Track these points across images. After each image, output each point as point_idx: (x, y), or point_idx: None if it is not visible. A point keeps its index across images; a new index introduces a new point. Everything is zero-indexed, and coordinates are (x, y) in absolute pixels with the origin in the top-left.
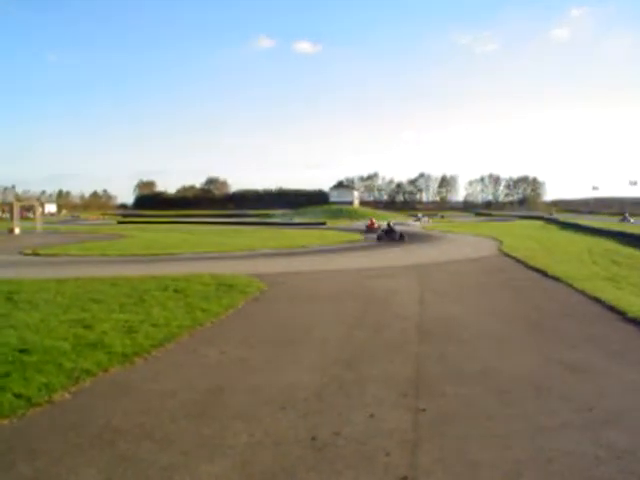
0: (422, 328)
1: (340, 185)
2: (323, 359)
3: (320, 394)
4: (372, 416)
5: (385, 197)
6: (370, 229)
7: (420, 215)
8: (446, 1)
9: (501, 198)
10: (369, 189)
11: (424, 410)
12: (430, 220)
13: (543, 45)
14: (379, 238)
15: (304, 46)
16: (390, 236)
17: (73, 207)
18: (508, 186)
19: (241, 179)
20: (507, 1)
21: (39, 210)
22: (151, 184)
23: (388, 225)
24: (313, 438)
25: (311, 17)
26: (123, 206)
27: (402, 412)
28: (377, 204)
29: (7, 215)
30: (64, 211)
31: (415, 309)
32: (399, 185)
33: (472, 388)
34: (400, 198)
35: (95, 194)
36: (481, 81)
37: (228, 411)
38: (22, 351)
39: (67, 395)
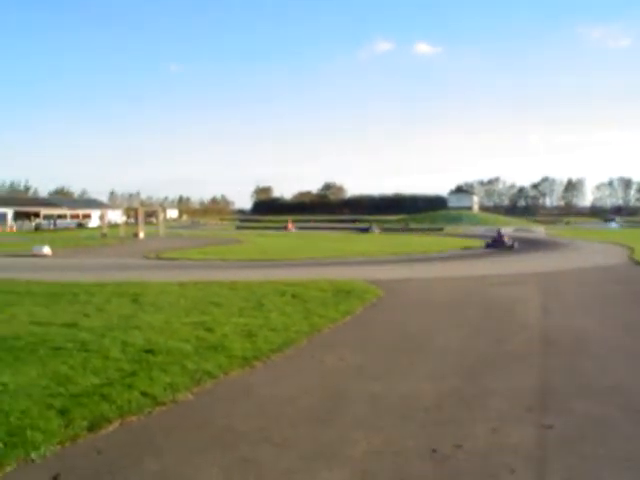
0: (547, 339)
1: (459, 190)
2: (443, 368)
3: (440, 405)
4: (495, 430)
5: (506, 202)
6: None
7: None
8: None
9: (632, 203)
10: (489, 194)
11: (551, 427)
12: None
13: None
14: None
15: (423, 48)
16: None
17: (193, 212)
18: None
19: (358, 184)
20: None
21: (161, 215)
22: (268, 190)
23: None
24: (434, 450)
25: (429, 18)
26: (241, 211)
27: (527, 427)
28: (497, 209)
29: (132, 220)
30: (185, 216)
31: (539, 319)
32: (521, 189)
33: (603, 406)
34: (522, 203)
35: (214, 199)
36: (612, 79)
37: (347, 418)
38: (148, 351)
39: (190, 396)
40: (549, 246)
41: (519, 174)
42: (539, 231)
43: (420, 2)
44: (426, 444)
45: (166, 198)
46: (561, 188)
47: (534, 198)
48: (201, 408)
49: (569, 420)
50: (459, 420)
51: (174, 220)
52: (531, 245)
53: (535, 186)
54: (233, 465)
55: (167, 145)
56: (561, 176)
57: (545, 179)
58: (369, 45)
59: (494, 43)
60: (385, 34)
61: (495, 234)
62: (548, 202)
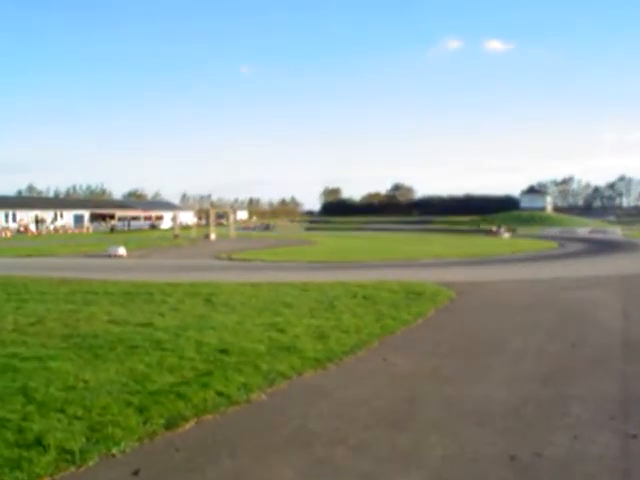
0: (628, 344)
1: (531, 190)
2: (518, 373)
3: (517, 410)
4: (576, 438)
5: (581, 202)
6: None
7: None
8: None
9: None
10: (563, 194)
11: (635, 436)
12: None
13: None
14: None
15: (495, 45)
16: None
17: (262, 214)
18: None
19: (427, 185)
20: None
21: (232, 217)
22: (336, 191)
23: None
24: (512, 457)
25: (503, 14)
26: (310, 213)
27: (609, 436)
28: (572, 210)
29: (203, 221)
30: (254, 218)
31: (619, 323)
32: (596, 189)
33: None
34: (597, 203)
35: (283, 201)
36: None
37: (421, 422)
38: (222, 351)
39: (264, 396)
40: (626, 248)
41: (594, 173)
42: (615, 232)
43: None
44: (504, 451)
45: (236, 200)
46: (639, 188)
47: (610, 198)
48: (275, 408)
49: None
50: (538, 427)
51: (243, 222)
52: (607, 247)
53: (611, 186)
54: (308, 466)
55: (238, 147)
56: (639, 175)
57: (621, 178)
58: (438, 43)
59: (569, 38)
60: (455, 32)
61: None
62: (625, 202)
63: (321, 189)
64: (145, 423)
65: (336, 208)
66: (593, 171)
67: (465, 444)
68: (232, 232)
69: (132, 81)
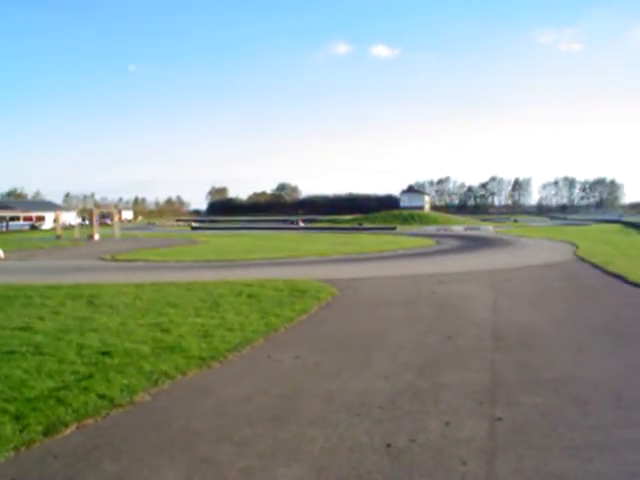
0: (497, 335)
1: (410, 190)
2: (396, 365)
3: (394, 401)
4: (447, 424)
5: (456, 201)
6: None
7: None
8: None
9: (576, 201)
10: (440, 193)
11: (500, 419)
12: None
13: (629, 44)
14: None
15: (381, 50)
16: None
17: (148, 213)
18: (584, 189)
19: (313, 185)
20: None
21: (117, 217)
22: (223, 190)
23: None
24: (388, 445)
25: (389, 20)
26: (196, 212)
27: (478, 420)
28: (448, 208)
29: (87, 222)
30: (140, 217)
31: (489, 315)
32: (470, 189)
33: (550, 397)
34: (471, 202)
35: (169, 200)
36: (562, 81)
37: (303, 416)
38: (104, 353)
39: (147, 397)
40: (498, 244)
41: (469, 173)
42: (488, 229)
43: (379, 5)
44: (380, 439)
45: (121, 199)
46: (509, 187)
47: (483, 197)
48: (159, 409)
49: (518, 412)
50: (413, 415)
51: (129, 221)
52: (481, 243)
53: (483, 185)
54: (192, 465)
55: (124, 147)
56: (508, 175)
57: (493, 178)
58: (327, 47)
59: (449, 44)
60: (344, 37)
61: None
62: (496, 201)
63: (208, 188)
64: (22, 431)
65: (223, 207)
66: (469, 171)
67: (344, 435)
68: (117, 232)
69: (16, 77)
